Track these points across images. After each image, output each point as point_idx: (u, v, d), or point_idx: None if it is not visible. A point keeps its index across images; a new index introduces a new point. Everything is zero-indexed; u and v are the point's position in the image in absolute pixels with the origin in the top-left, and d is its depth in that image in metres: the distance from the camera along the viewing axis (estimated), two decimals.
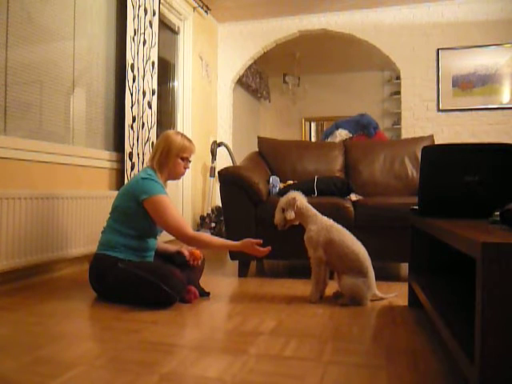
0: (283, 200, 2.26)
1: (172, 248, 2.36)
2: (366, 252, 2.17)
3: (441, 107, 4.94)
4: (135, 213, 2.15)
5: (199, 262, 2.31)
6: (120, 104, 3.53)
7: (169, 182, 2.35)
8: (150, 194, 2.12)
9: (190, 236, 2.15)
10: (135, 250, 2.18)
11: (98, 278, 2.14)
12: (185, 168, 2.30)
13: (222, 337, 1.65)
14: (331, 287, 2.28)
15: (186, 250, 2.30)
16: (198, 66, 5.11)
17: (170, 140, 2.24)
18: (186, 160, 2.28)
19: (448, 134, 4.90)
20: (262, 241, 2.20)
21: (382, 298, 2.20)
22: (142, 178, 2.16)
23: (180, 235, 2.15)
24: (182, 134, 2.31)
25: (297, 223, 2.28)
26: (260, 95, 7.67)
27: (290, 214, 2.21)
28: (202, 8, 4.98)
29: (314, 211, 2.25)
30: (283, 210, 2.24)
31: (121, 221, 2.18)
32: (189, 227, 2.18)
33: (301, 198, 2.25)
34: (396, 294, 2.26)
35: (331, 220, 2.24)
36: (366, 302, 2.12)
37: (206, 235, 2.22)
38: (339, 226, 2.21)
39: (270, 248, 2.17)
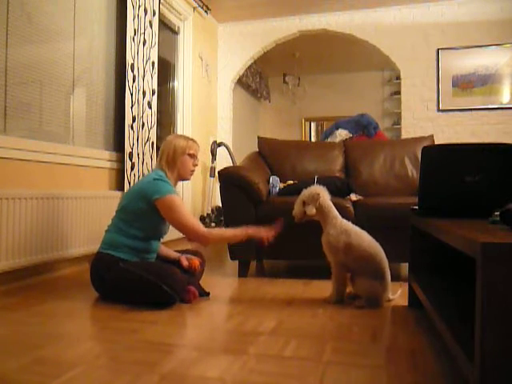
0: (306, 193, 2.15)
1: (173, 255, 2.37)
2: (383, 253, 2.12)
3: (441, 107, 4.94)
4: (144, 213, 2.16)
5: (198, 269, 2.32)
6: (120, 104, 3.53)
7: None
8: (163, 194, 2.14)
9: (204, 234, 2.16)
10: (138, 252, 2.18)
11: (99, 277, 2.14)
12: (194, 165, 2.33)
13: (222, 337, 1.65)
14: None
15: (184, 259, 2.31)
16: (198, 65, 5.11)
17: (174, 142, 2.29)
18: (194, 157, 2.32)
19: (448, 134, 4.90)
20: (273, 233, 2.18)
21: (391, 300, 2.19)
22: (154, 179, 2.19)
23: (194, 234, 2.17)
24: (183, 135, 2.36)
25: (316, 219, 2.18)
26: (260, 95, 7.67)
27: (311, 210, 2.11)
28: (202, 8, 4.98)
29: (335, 213, 2.16)
30: (304, 204, 2.14)
31: (128, 221, 2.18)
32: (201, 226, 2.20)
33: (324, 195, 2.15)
34: (400, 292, 2.25)
35: (349, 223, 2.16)
36: (383, 304, 2.09)
37: (216, 230, 2.24)
38: (357, 229, 2.14)
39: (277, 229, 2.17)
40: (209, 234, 2.18)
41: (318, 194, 2.13)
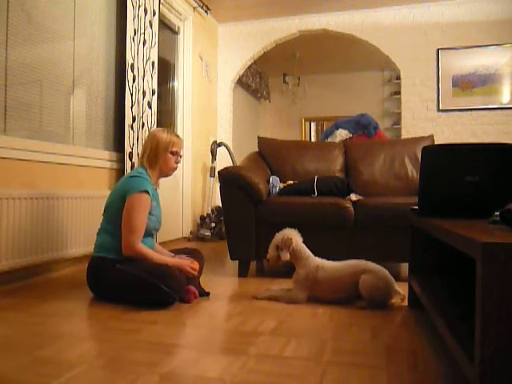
0: (279, 237, 2.20)
1: (167, 256, 2.33)
2: (373, 268, 2.09)
3: (441, 107, 4.94)
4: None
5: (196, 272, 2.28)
6: (120, 104, 3.53)
7: (169, 182, 2.34)
8: (136, 190, 2.11)
9: (136, 248, 2.08)
10: None
11: (96, 280, 2.14)
12: (176, 163, 2.30)
13: (222, 337, 1.65)
14: None
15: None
16: (198, 65, 5.11)
17: (157, 137, 2.25)
18: (177, 155, 2.29)
19: (448, 134, 4.90)
20: (197, 267, 2.20)
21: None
22: (131, 176, 2.18)
23: (129, 240, 2.08)
24: (169, 130, 2.31)
25: (290, 261, 2.23)
26: (260, 95, 7.67)
27: (285, 256, 2.17)
28: (202, 8, 4.98)
29: (307, 253, 2.21)
30: (277, 247, 2.19)
31: (112, 221, 2.16)
32: (140, 241, 2.11)
33: (297, 239, 2.20)
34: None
35: (319, 260, 2.20)
36: (387, 304, 2.09)
37: (148, 251, 2.13)
38: (327, 265, 2.17)
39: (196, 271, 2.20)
40: (139, 251, 2.08)
41: (291, 239, 2.18)
